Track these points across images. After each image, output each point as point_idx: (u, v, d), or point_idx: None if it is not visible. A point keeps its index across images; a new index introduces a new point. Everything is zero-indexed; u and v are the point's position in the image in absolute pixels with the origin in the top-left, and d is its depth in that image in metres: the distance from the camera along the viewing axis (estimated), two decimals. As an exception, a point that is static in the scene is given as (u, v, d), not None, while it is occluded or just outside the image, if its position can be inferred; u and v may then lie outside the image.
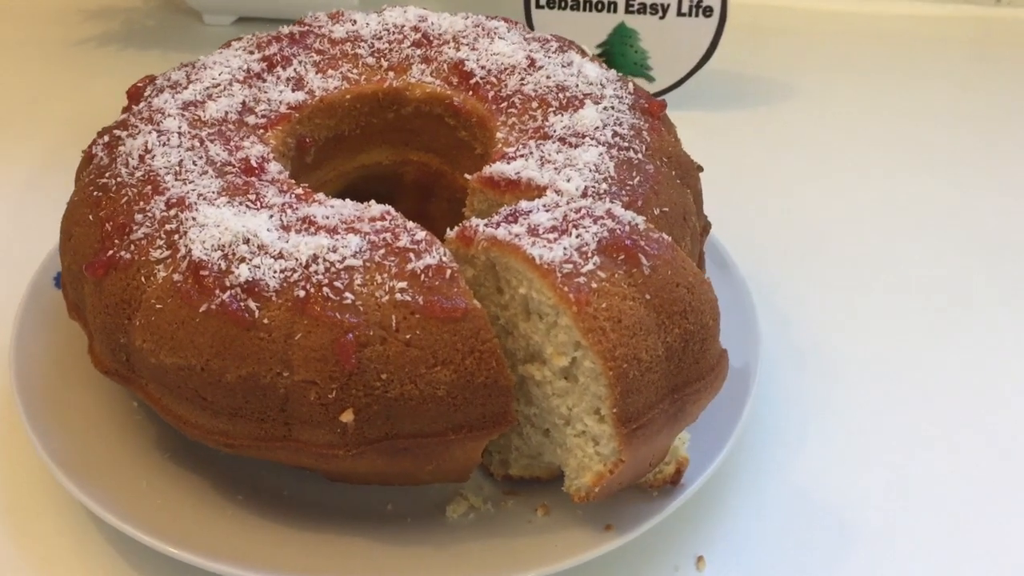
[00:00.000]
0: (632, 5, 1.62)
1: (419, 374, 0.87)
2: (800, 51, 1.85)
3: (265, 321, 0.87)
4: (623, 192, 0.99)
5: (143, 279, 0.92)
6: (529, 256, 0.87)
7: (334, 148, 1.17)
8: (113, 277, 0.93)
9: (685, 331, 0.88)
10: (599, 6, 1.63)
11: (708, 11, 1.60)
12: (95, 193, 0.99)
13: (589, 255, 0.87)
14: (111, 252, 0.94)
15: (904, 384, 1.20)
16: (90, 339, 0.99)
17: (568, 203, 0.94)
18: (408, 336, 0.87)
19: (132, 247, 0.94)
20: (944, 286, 1.35)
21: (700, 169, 1.11)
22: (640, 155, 1.04)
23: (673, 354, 0.87)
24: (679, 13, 1.61)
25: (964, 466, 1.11)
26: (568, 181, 0.98)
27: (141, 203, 0.96)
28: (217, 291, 0.88)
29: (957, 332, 1.28)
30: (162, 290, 0.91)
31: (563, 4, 1.63)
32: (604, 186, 0.99)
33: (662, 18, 1.62)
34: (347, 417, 0.87)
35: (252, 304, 0.87)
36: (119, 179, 0.99)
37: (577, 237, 0.88)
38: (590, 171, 1.00)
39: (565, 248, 0.87)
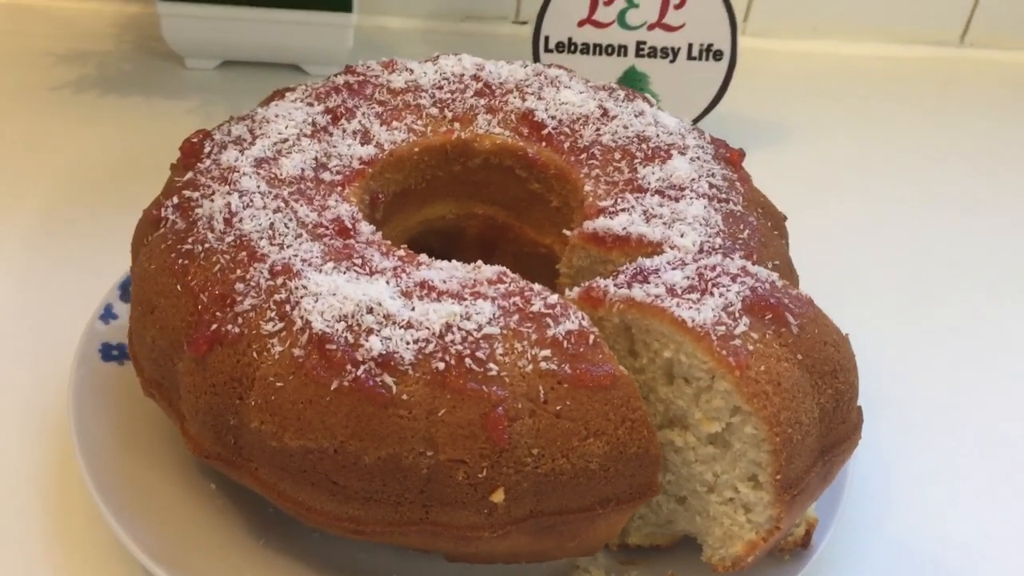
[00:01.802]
0: (642, 50, 1.61)
1: (571, 447, 0.82)
2: (807, 92, 1.88)
3: (404, 397, 0.81)
4: (736, 246, 0.97)
5: (255, 355, 0.85)
6: (678, 319, 0.84)
7: (400, 203, 1.12)
8: (219, 353, 0.86)
9: (836, 391, 0.86)
10: (608, 50, 1.61)
11: (718, 55, 1.60)
12: (180, 261, 0.91)
13: (737, 316, 0.84)
14: (215, 326, 0.86)
15: (983, 426, 1.22)
16: (181, 421, 0.91)
17: (694, 260, 0.91)
18: (558, 407, 0.82)
19: (239, 320, 0.86)
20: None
21: (785, 218, 1.10)
22: (739, 207, 1.02)
23: (825, 415, 0.85)
24: (689, 57, 1.61)
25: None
26: (682, 236, 0.96)
27: (239, 271, 0.89)
28: (348, 366, 0.82)
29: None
30: (281, 367, 0.84)
31: (572, 48, 1.61)
32: (718, 240, 0.96)
33: (672, 62, 1.61)
34: (498, 497, 0.81)
35: (388, 379, 0.81)
36: (206, 245, 0.92)
37: (720, 297, 0.86)
38: (701, 225, 0.97)
39: (712, 309, 0.85)
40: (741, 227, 0.99)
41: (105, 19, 1.81)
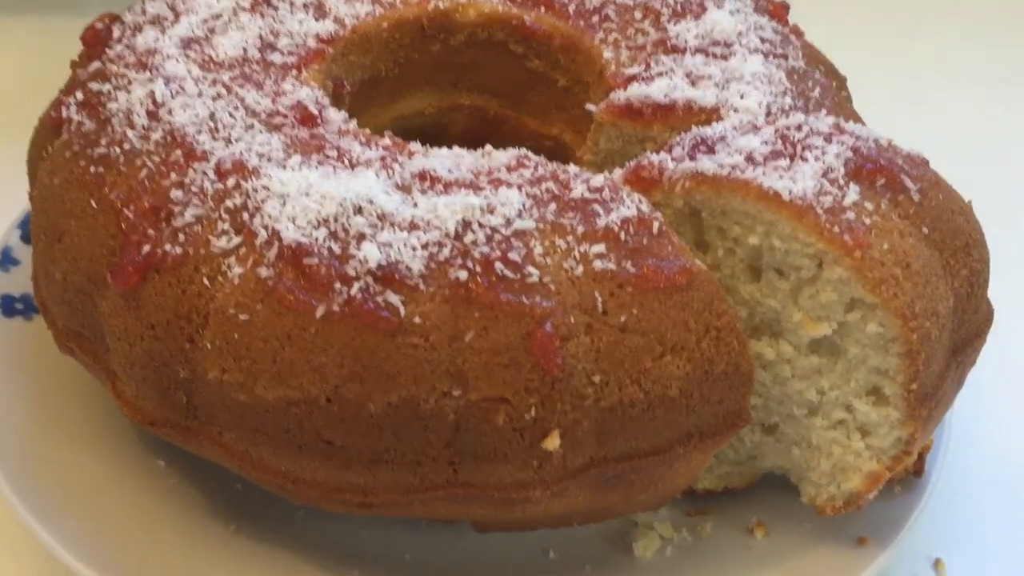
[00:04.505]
0: None
1: (643, 369, 0.62)
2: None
3: (416, 320, 0.60)
4: (810, 107, 0.77)
5: (206, 281, 0.63)
6: (769, 191, 0.64)
7: (368, 95, 0.90)
8: (156, 283, 0.64)
9: (972, 271, 0.67)
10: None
11: None
12: (92, 169, 0.69)
13: (843, 183, 0.65)
14: (147, 248, 0.64)
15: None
16: (112, 380, 0.69)
17: (768, 123, 0.71)
18: (622, 319, 0.62)
19: (180, 237, 0.64)
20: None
21: (845, 79, 0.90)
22: (801, 63, 0.82)
23: (960, 303, 0.66)
24: None
25: None
26: (742, 98, 0.75)
27: (173, 175, 0.67)
28: (337, 284, 0.61)
29: None
30: (244, 294, 0.62)
31: None
32: (787, 100, 0.77)
33: None
34: (552, 443, 0.61)
35: (393, 298, 0.61)
36: (126, 146, 0.69)
37: (817, 161, 0.66)
38: (763, 83, 0.77)
39: (811, 177, 0.65)
40: (810, 85, 0.79)
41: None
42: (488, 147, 0.73)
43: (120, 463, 0.76)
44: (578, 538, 0.75)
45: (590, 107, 0.80)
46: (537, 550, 0.75)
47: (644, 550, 0.74)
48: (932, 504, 0.80)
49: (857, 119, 0.82)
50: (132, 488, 0.75)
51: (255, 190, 0.65)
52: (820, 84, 0.80)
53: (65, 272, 0.69)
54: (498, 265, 0.62)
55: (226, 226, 0.64)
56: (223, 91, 0.74)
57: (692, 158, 0.68)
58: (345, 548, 0.73)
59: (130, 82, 0.74)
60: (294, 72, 0.79)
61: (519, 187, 0.66)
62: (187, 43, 0.78)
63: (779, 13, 0.90)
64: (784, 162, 0.66)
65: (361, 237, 0.62)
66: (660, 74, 0.80)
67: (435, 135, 0.97)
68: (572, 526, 0.72)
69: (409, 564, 0.73)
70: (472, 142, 0.94)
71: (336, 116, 0.75)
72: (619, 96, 0.79)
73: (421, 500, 0.64)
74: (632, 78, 0.81)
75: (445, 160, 0.70)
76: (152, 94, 0.72)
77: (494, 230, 0.63)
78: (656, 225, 0.64)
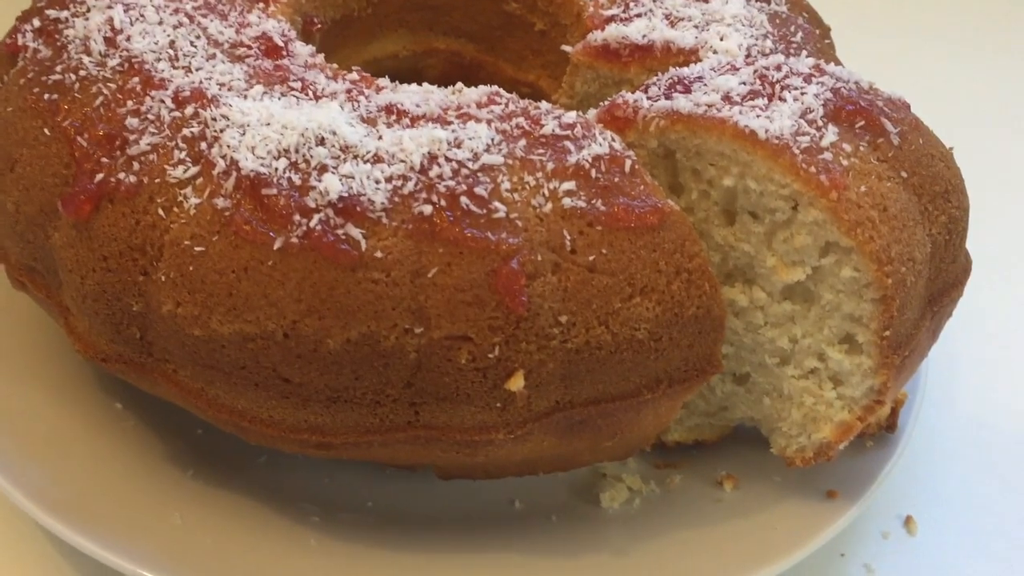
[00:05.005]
0: None
1: (611, 311, 0.60)
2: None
3: (378, 255, 0.58)
4: (791, 51, 0.75)
5: (160, 212, 0.61)
6: (745, 130, 0.62)
7: (340, 36, 0.88)
8: (109, 213, 0.62)
9: (950, 218, 0.65)
10: None
11: None
12: (46, 96, 0.66)
13: (821, 124, 0.63)
14: (100, 176, 0.62)
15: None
16: (65, 315, 0.66)
17: (747, 64, 0.69)
18: (591, 257, 0.60)
19: (134, 165, 0.62)
20: None
21: (829, 28, 0.88)
22: (783, 7, 0.80)
23: (937, 250, 0.65)
24: None
25: None
26: (722, 40, 0.73)
27: (130, 102, 0.65)
28: (297, 216, 0.58)
29: None
30: (200, 225, 0.60)
31: None
32: (768, 44, 0.75)
33: None
34: (516, 384, 0.60)
35: (354, 231, 0.58)
36: (81, 73, 0.67)
37: (796, 101, 0.64)
38: (744, 25, 0.75)
39: (789, 116, 0.63)
40: (792, 29, 0.77)
41: None
42: (459, 84, 0.70)
43: (76, 405, 0.74)
44: (544, 488, 0.73)
45: (566, 48, 0.78)
46: (502, 499, 0.73)
47: (611, 501, 0.72)
48: (904, 461, 0.78)
49: (835, 60, 0.80)
50: (87, 431, 0.73)
51: (214, 119, 0.63)
52: (803, 29, 0.78)
53: (17, 202, 0.66)
54: (464, 200, 0.59)
55: (183, 155, 0.62)
56: (185, 20, 0.71)
57: (668, 97, 0.66)
58: (306, 494, 0.71)
59: (88, 9, 0.71)
60: (261, 4, 0.77)
61: (488, 122, 0.64)
62: (150, -28, 0.76)
63: (763, -41, 0.88)
64: (762, 101, 0.64)
65: (323, 168, 0.60)
66: (639, 15, 0.78)
67: (410, 81, 0.93)
68: (537, 474, 0.70)
69: (371, 511, 0.71)
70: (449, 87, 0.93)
71: (303, 49, 0.73)
72: (596, 37, 0.77)
73: (381, 442, 0.62)
74: (610, 19, 0.78)
75: (414, 95, 0.68)
76: (111, 20, 0.69)
77: (461, 164, 0.61)
78: (628, 163, 0.62)
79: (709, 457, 0.76)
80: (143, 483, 0.70)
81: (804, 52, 0.74)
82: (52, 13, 0.72)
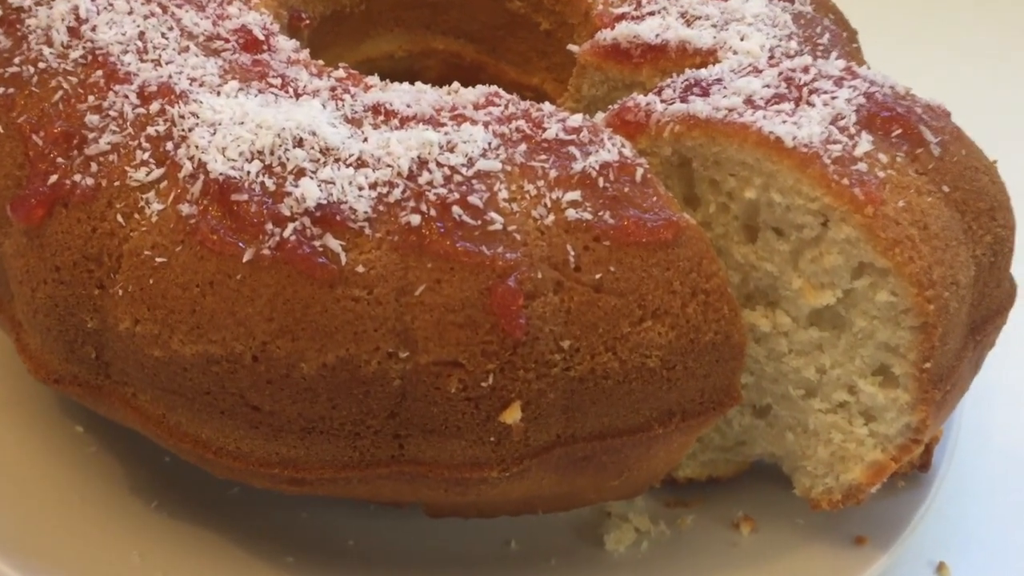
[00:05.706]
0: None
1: (619, 335, 0.54)
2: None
3: (360, 269, 0.52)
4: (817, 53, 0.69)
5: (120, 218, 0.55)
6: (769, 137, 0.56)
7: (331, 34, 0.82)
8: (63, 219, 0.56)
9: (996, 238, 0.59)
10: None
11: None
12: (1, 90, 0.60)
13: (854, 131, 0.57)
14: (54, 178, 0.56)
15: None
16: (17, 330, 0.60)
17: (770, 65, 0.63)
18: (598, 276, 0.54)
19: (92, 166, 0.57)
20: None
21: (856, 32, 0.82)
22: (808, 8, 0.74)
23: (981, 274, 0.59)
24: None
25: None
26: (743, 40, 0.67)
27: (91, 97, 0.59)
28: (269, 225, 0.53)
29: None
30: (162, 233, 0.54)
31: None
32: (792, 45, 0.69)
33: None
34: (512, 415, 0.54)
35: (333, 242, 0.52)
36: (41, 65, 0.61)
37: (825, 106, 0.58)
38: (766, 25, 0.69)
39: (819, 123, 0.57)
40: (818, 31, 0.72)
41: None
42: (456, 84, 0.65)
43: (32, 428, 0.68)
44: (543, 528, 0.68)
45: (572, 48, 0.73)
46: (497, 539, 0.67)
47: (617, 543, 0.66)
48: (938, 503, 0.73)
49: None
50: (45, 456, 0.67)
51: (182, 116, 0.57)
52: (830, 31, 0.73)
53: (-35, 206, 0.60)
54: (456, 209, 0.54)
55: (146, 156, 0.56)
56: (157, 10, 0.65)
57: (684, 100, 0.60)
58: (281, 531, 0.66)
59: (53, -3, 0.66)
60: (242, -2, 0.71)
61: (485, 124, 0.58)
62: (121, -41, 0.70)
63: (785, -43, 0.83)
64: (788, 106, 0.58)
65: (300, 172, 0.54)
66: (652, 13, 0.72)
67: (408, 81, 0.89)
68: (536, 514, 0.64)
69: (352, 551, 0.65)
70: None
71: (286, 44, 0.67)
72: (605, 36, 0.71)
73: (361, 478, 0.56)
74: (621, 17, 0.73)
75: (404, 95, 0.62)
76: (76, 9, 0.64)
77: (453, 170, 0.55)
78: (640, 172, 0.56)
79: (724, 496, 0.70)
80: (101, 516, 0.64)
81: (833, 54, 0.68)
82: (14, 1, 0.66)
